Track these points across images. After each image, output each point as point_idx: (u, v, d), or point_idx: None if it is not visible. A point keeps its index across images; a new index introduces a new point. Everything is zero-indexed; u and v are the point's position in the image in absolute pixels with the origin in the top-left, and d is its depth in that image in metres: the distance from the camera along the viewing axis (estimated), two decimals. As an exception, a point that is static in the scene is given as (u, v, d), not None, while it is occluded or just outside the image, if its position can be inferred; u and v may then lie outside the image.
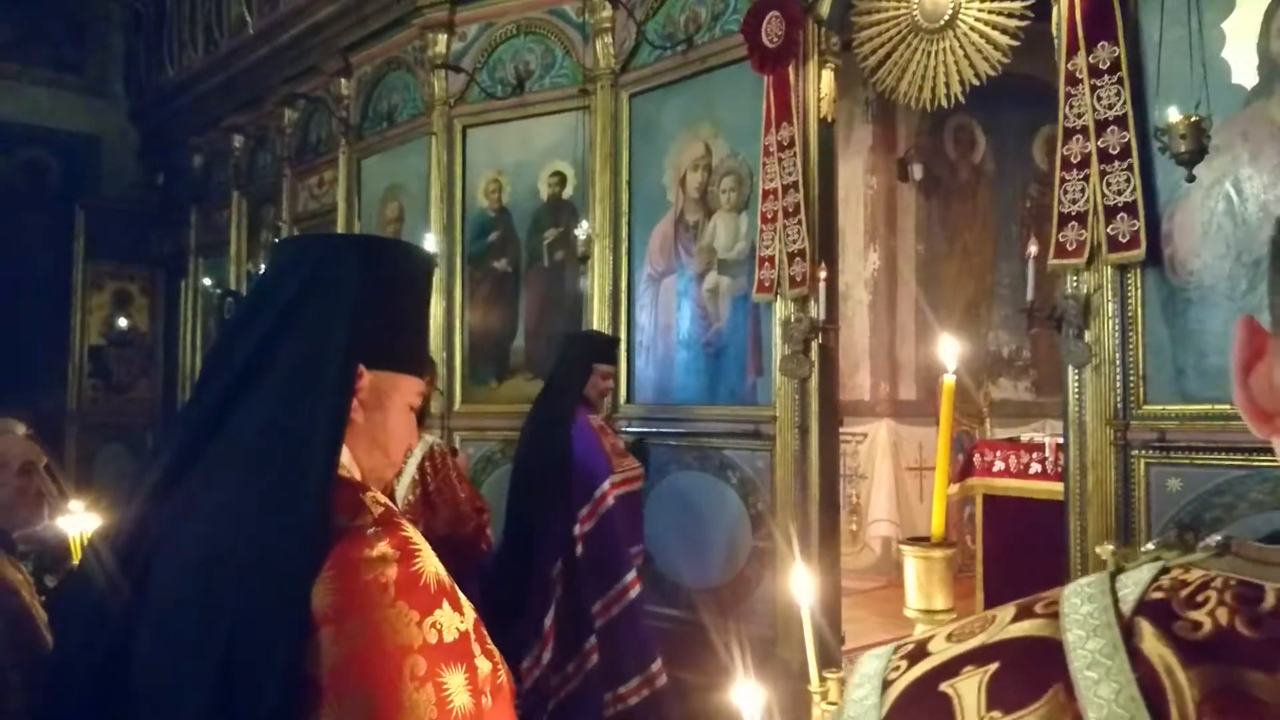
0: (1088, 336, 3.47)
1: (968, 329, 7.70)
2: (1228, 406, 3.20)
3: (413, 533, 1.10)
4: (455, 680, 1.03)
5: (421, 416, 3.76)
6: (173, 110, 9.06)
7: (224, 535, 1.07)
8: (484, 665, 1.09)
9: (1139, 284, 3.39)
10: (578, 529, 3.68)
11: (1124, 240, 3.31)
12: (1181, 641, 0.49)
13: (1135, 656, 0.49)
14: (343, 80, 6.82)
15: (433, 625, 1.03)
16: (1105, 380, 3.44)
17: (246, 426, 1.13)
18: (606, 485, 3.76)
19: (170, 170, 9.37)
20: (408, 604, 1.03)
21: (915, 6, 3.90)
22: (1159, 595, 0.52)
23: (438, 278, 5.89)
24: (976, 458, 5.80)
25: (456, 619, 1.06)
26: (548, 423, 3.88)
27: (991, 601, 5.52)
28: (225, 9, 8.16)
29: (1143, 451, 3.37)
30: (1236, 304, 3.19)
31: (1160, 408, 3.35)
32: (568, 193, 5.62)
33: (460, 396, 5.92)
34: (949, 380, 1.13)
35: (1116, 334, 3.42)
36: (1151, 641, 0.49)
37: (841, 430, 5.13)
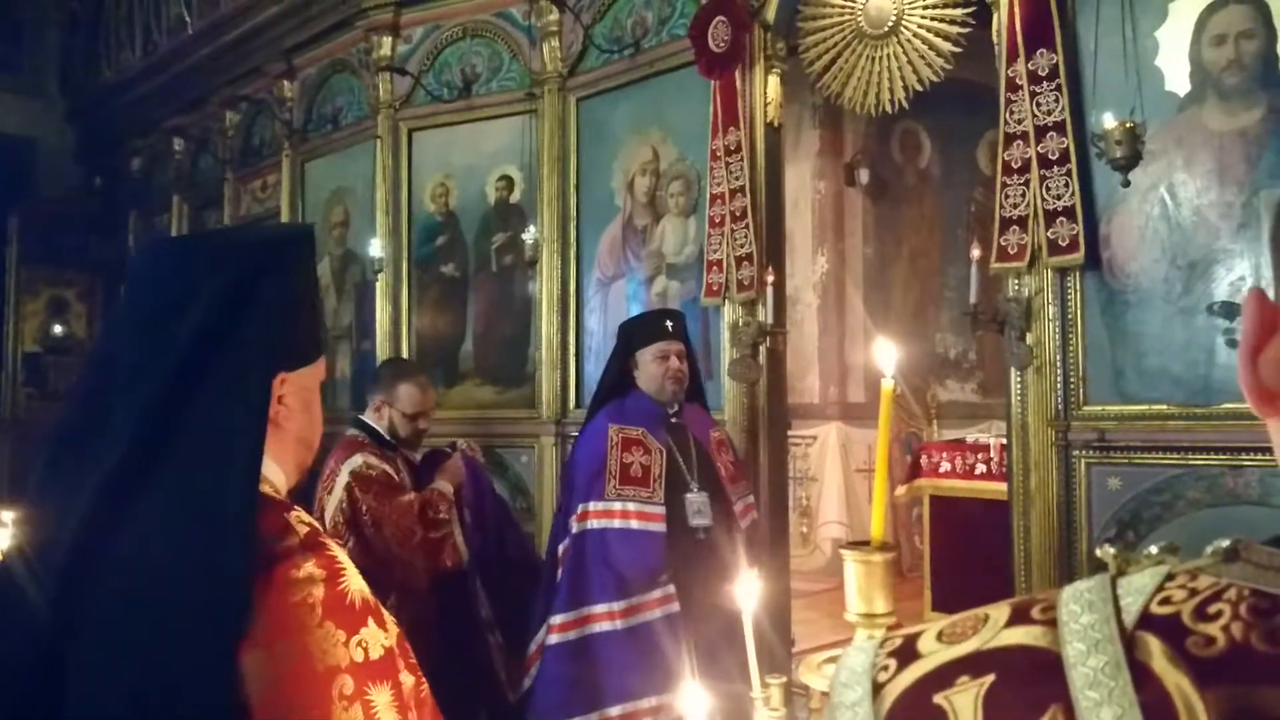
0: (1029, 339, 3.52)
1: (915, 332, 7.80)
2: (1165, 406, 3.27)
3: (337, 551, 1.12)
4: (382, 698, 1.05)
5: (419, 436, 3.51)
6: (111, 112, 8.84)
7: (153, 567, 1.05)
8: (408, 680, 1.12)
9: (1079, 287, 3.45)
10: (560, 551, 3.17)
11: (1064, 244, 3.37)
12: (1194, 660, 0.46)
13: (1140, 676, 0.46)
14: (286, 82, 6.72)
15: (359, 644, 1.05)
16: (1047, 381, 3.49)
17: (181, 450, 1.08)
18: (576, 513, 3.12)
19: (108, 173, 9.14)
20: (335, 624, 1.05)
21: (859, 13, 3.93)
22: (1167, 609, 0.49)
23: (385, 281, 5.82)
24: (924, 459, 5.88)
25: (381, 635, 1.09)
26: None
27: (940, 600, 5.59)
28: (164, 8, 7.98)
29: (1083, 451, 3.43)
30: (1173, 306, 3.26)
31: (1100, 408, 3.41)
32: (516, 197, 5.58)
33: (408, 403, 5.84)
34: (887, 385, 1.13)
35: (1057, 336, 3.47)
36: (1161, 661, 0.46)
37: (791, 433, 5.15)
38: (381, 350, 5.89)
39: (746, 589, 1.30)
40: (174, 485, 1.07)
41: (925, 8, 3.79)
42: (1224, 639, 0.46)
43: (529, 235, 5.18)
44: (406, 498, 3.27)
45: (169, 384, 1.09)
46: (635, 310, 4.97)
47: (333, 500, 3.24)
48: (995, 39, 3.63)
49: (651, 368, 3.20)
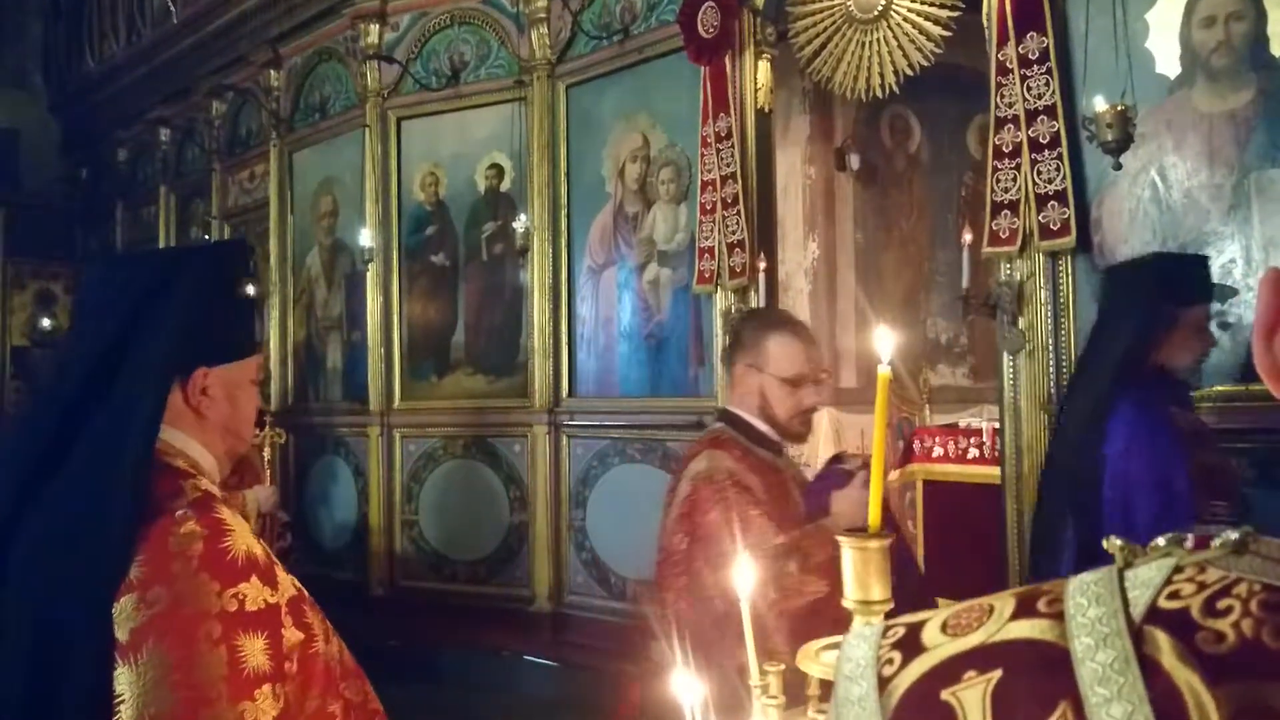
0: (1021, 322, 3.52)
1: (906, 317, 7.80)
2: (1156, 389, 3.28)
3: (227, 515, 1.23)
4: (253, 645, 1.15)
5: (807, 420, 2.43)
6: (95, 102, 8.76)
7: (59, 523, 1.21)
8: (293, 635, 1.22)
9: (1070, 270, 3.45)
10: None
11: (1055, 228, 3.36)
12: (1204, 657, 0.45)
13: (1149, 671, 0.45)
14: (272, 71, 6.66)
15: (234, 595, 1.15)
16: (1039, 365, 3.49)
17: (88, 434, 1.25)
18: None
19: (94, 164, 9.07)
20: (210, 576, 1.15)
21: (849, -3, 3.91)
22: (1176, 604, 0.48)
23: (375, 271, 5.80)
24: (916, 444, 5.88)
25: (265, 592, 1.18)
26: (1077, 414, 2.34)
27: (932, 584, 5.60)
28: (148, -3, 7.92)
29: (1075, 435, 3.43)
30: (1163, 289, 3.26)
31: (1092, 392, 3.41)
32: (505, 185, 5.56)
33: (400, 393, 5.83)
34: (884, 372, 1.12)
35: (1049, 320, 3.47)
36: (1171, 658, 0.46)
37: (783, 419, 5.14)
38: (373, 341, 5.86)
39: (743, 575, 1.30)
40: (83, 457, 1.23)
41: (915, -9, 3.77)
42: (1234, 635, 0.45)
43: (519, 224, 5.16)
44: (768, 522, 2.13)
45: (90, 376, 1.26)
46: (627, 298, 4.95)
47: (667, 528, 2.25)
48: (985, 23, 3.62)
49: (1192, 340, 2.24)
